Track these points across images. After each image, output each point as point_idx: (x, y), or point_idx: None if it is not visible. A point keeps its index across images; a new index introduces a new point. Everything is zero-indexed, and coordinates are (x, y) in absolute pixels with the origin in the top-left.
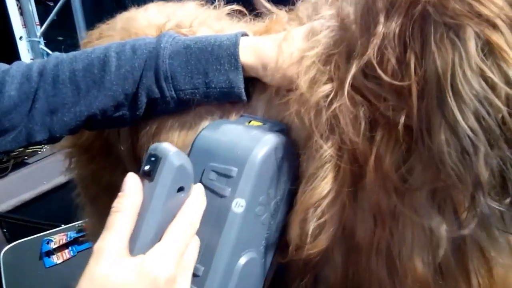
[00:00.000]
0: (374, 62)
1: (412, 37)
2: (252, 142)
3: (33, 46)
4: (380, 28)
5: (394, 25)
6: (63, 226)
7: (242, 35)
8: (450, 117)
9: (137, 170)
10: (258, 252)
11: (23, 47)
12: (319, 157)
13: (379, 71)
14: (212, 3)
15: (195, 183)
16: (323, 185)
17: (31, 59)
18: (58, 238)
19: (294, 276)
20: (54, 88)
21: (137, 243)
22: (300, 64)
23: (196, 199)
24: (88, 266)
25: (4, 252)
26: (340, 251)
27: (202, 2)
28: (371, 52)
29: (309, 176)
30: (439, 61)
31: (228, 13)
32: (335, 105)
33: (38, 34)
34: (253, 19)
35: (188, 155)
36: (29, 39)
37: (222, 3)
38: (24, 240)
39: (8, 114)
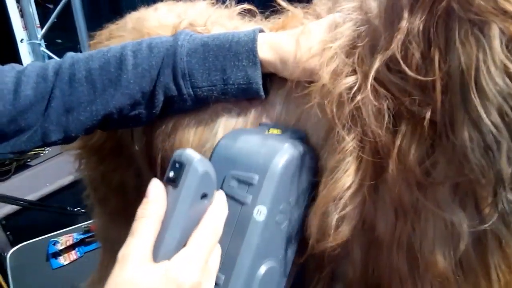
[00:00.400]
0: (399, 56)
1: (436, 33)
2: (273, 150)
3: (34, 49)
4: (404, 23)
5: (418, 21)
6: (69, 228)
7: (260, 31)
8: (474, 113)
9: (149, 169)
10: (278, 260)
11: (24, 49)
12: (341, 149)
13: (404, 66)
14: (223, 2)
15: (217, 190)
16: (345, 177)
17: (32, 61)
18: (64, 239)
19: (312, 272)
20: (70, 87)
21: (161, 249)
22: (322, 56)
23: (219, 206)
24: (113, 272)
25: (11, 254)
26: (359, 245)
27: (213, 1)
28: (395, 46)
29: (330, 169)
30: (463, 57)
31: (239, 13)
32: (358, 97)
33: (39, 36)
34: (264, 18)
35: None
36: (30, 41)
37: (233, 2)
38: (31, 242)
39: (24, 113)
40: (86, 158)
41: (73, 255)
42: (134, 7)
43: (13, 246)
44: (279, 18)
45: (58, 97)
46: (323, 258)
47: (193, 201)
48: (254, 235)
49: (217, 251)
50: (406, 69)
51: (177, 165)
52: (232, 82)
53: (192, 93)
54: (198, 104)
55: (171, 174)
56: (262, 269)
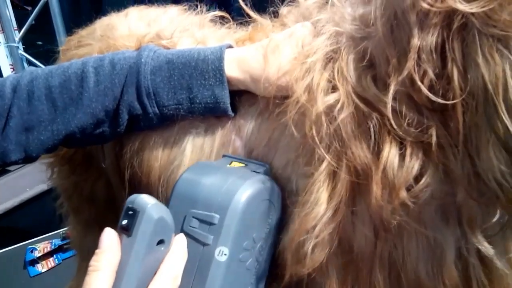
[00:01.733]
0: (416, 77)
1: (452, 49)
2: (234, 187)
3: (11, 52)
4: (416, 41)
5: (431, 37)
6: (47, 234)
7: (227, 47)
8: (501, 133)
9: (120, 184)
10: None
11: (1, 52)
12: (315, 171)
13: (422, 88)
14: (196, 8)
15: (176, 230)
16: (317, 208)
17: (10, 64)
18: (42, 246)
19: None
20: (29, 105)
21: None
22: (294, 71)
23: (177, 252)
24: None
25: None
26: (334, 265)
27: (186, 7)
28: (411, 67)
29: (301, 193)
30: (487, 74)
31: (211, 19)
32: (341, 116)
33: (17, 39)
34: (236, 25)
35: (169, 200)
36: (8, 44)
37: (204, 9)
38: (8, 249)
39: None
40: (58, 167)
41: (51, 262)
42: (116, 6)
43: None
44: (247, 30)
45: (17, 116)
46: (299, 281)
47: (149, 249)
48: (216, 277)
49: None
50: (425, 91)
51: (130, 212)
52: (199, 101)
53: (158, 111)
54: (164, 121)
55: (124, 222)
56: None
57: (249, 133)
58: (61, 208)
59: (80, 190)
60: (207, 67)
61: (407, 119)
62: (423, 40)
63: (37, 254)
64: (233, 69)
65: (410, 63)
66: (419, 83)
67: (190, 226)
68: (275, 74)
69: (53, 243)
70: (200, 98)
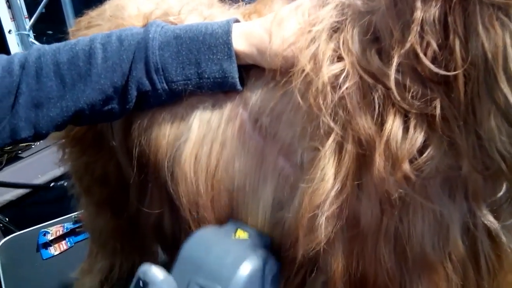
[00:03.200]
0: (418, 49)
1: (454, 20)
2: (237, 261)
3: (22, 40)
4: (419, 13)
5: (434, 9)
6: (59, 218)
7: (234, 22)
8: (502, 103)
9: (129, 163)
10: None
11: (12, 40)
12: (321, 139)
13: (424, 60)
14: None
15: None
16: (324, 183)
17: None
18: (54, 229)
19: (289, 264)
20: (38, 82)
21: None
22: (299, 40)
23: None
24: None
25: (1, 245)
26: (340, 239)
27: None
28: (413, 39)
29: (307, 168)
30: (488, 43)
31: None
32: (346, 85)
33: (27, 27)
34: (246, 4)
35: (175, 261)
36: (18, 32)
37: None
38: (21, 233)
39: None
40: (69, 148)
41: (63, 245)
42: None
43: (5, 237)
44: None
45: (26, 93)
46: (304, 256)
47: None
48: None
49: None
50: (427, 63)
51: (141, 284)
52: (207, 76)
53: (166, 87)
54: (173, 97)
55: None
56: None
57: (255, 105)
58: (72, 189)
59: (91, 171)
60: (215, 42)
61: (411, 92)
62: (426, 12)
63: (49, 237)
64: (240, 43)
65: (413, 35)
66: (421, 54)
67: None
68: (281, 45)
69: (65, 227)
70: (209, 73)
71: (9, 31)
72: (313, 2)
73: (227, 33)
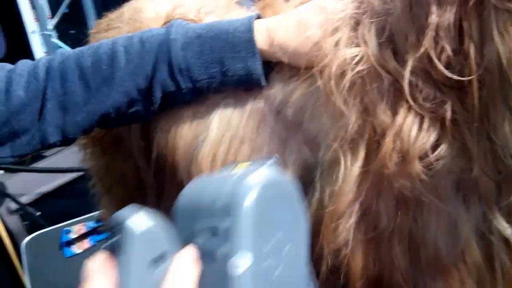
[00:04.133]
0: (433, 54)
1: (469, 25)
2: (240, 186)
3: (45, 40)
4: (434, 18)
5: (449, 14)
6: (82, 217)
7: (256, 18)
8: None
9: (147, 165)
10: None
11: (35, 41)
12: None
13: (439, 65)
14: None
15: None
16: (349, 179)
17: (44, 52)
18: (77, 228)
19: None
20: (63, 87)
21: None
22: (323, 40)
23: (179, 267)
24: None
25: (26, 243)
26: (360, 240)
27: None
28: (427, 43)
29: (332, 164)
30: (502, 49)
31: (237, 2)
32: (361, 67)
33: (50, 27)
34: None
35: (174, 221)
36: (42, 32)
37: None
38: (44, 231)
39: (17, 114)
40: (90, 148)
41: (86, 243)
42: None
43: (30, 233)
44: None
45: (52, 98)
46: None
47: (143, 268)
48: None
49: None
50: (441, 68)
51: (114, 230)
52: (231, 74)
53: (191, 86)
54: (198, 95)
55: (110, 242)
56: None
57: (277, 97)
58: (94, 189)
59: (111, 172)
60: (238, 40)
61: (422, 94)
62: (441, 17)
63: (72, 235)
64: (263, 40)
65: (427, 40)
66: (435, 59)
67: (200, 241)
68: (304, 44)
69: (87, 225)
70: (233, 71)
71: (33, 32)
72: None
73: (250, 30)
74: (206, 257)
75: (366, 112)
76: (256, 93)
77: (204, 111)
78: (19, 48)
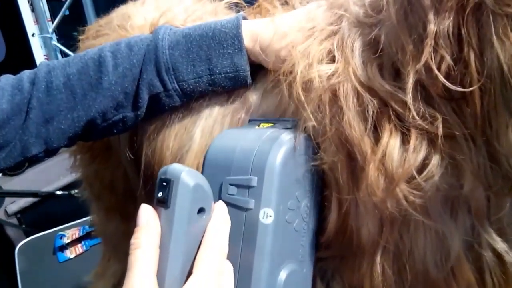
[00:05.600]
0: (433, 64)
1: (467, 32)
2: (266, 145)
3: (45, 43)
4: (432, 27)
5: (447, 21)
6: (77, 221)
7: (243, 18)
8: None
9: (136, 174)
10: (298, 262)
11: (35, 44)
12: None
13: (439, 76)
14: None
15: (214, 200)
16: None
17: (44, 55)
18: (71, 232)
19: None
20: (48, 96)
21: (166, 280)
22: (296, 41)
23: (220, 219)
24: None
25: (20, 247)
26: (339, 255)
27: None
28: (428, 54)
29: None
30: (503, 55)
31: (225, 7)
32: (337, 88)
33: (50, 30)
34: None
35: (202, 172)
36: (42, 35)
37: None
38: (38, 236)
39: (1, 129)
40: (80, 154)
41: (79, 248)
42: None
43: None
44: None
45: (36, 107)
46: None
47: (190, 219)
48: (265, 241)
49: (228, 268)
50: (442, 79)
51: (164, 183)
52: (218, 71)
53: (178, 87)
54: (185, 99)
55: (160, 194)
56: (283, 275)
57: (257, 109)
58: (84, 194)
59: (101, 178)
60: (225, 36)
61: (414, 109)
62: (440, 25)
63: (66, 240)
64: (247, 40)
65: (427, 50)
66: (436, 71)
67: (228, 194)
68: (278, 42)
69: (81, 230)
70: (220, 68)
71: (33, 35)
72: (319, 6)
73: (237, 26)
74: (234, 208)
75: (343, 135)
76: (236, 102)
77: (187, 122)
78: (19, 50)
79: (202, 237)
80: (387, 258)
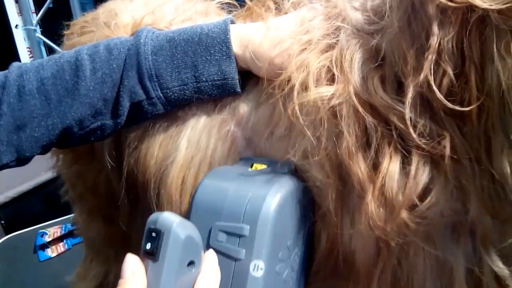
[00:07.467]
0: (431, 80)
1: (470, 46)
2: (261, 191)
3: (29, 35)
4: (435, 40)
5: (451, 34)
6: (59, 219)
7: (231, 22)
8: None
9: (118, 181)
10: None
11: (19, 35)
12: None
13: (437, 94)
14: None
15: (203, 246)
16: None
17: (27, 47)
18: (52, 231)
19: None
20: (20, 101)
21: None
22: (291, 48)
23: (210, 272)
24: None
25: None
26: (333, 279)
27: None
28: (427, 69)
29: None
30: (503, 74)
31: (217, 7)
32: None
33: (34, 22)
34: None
35: (189, 212)
36: (25, 27)
37: None
38: (19, 233)
39: None
40: (63, 155)
41: (60, 247)
42: None
43: (7, 235)
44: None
45: (7, 113)
46: None
47: (179, 273)
48: None
49: None
50: (440, 97)
51: (153, 234)
52: (205, 79)
53: (161, 95)
54: (169, 107)
55: (148, 246)
56: None
57: (248, 122)
58: (66, 195)
59: (83, 180)
60: (212, 41)
61: (418, 128)
62: (444, 38)
63: (47, 238)
64: (236, 45)
65: (427, 65)
66: (434, 87)
67: (217, 241)
68: (271, 49)
69: (63, 228)
70: (207, 75)
71: (16, 26)
72: (312, 12)
73: (225, 32)
74: (223, 256)
75: (338, 160)
76: (224, 113)
77: (172, 130)
78: (1, 42)
79: None
80: (384, 285)
